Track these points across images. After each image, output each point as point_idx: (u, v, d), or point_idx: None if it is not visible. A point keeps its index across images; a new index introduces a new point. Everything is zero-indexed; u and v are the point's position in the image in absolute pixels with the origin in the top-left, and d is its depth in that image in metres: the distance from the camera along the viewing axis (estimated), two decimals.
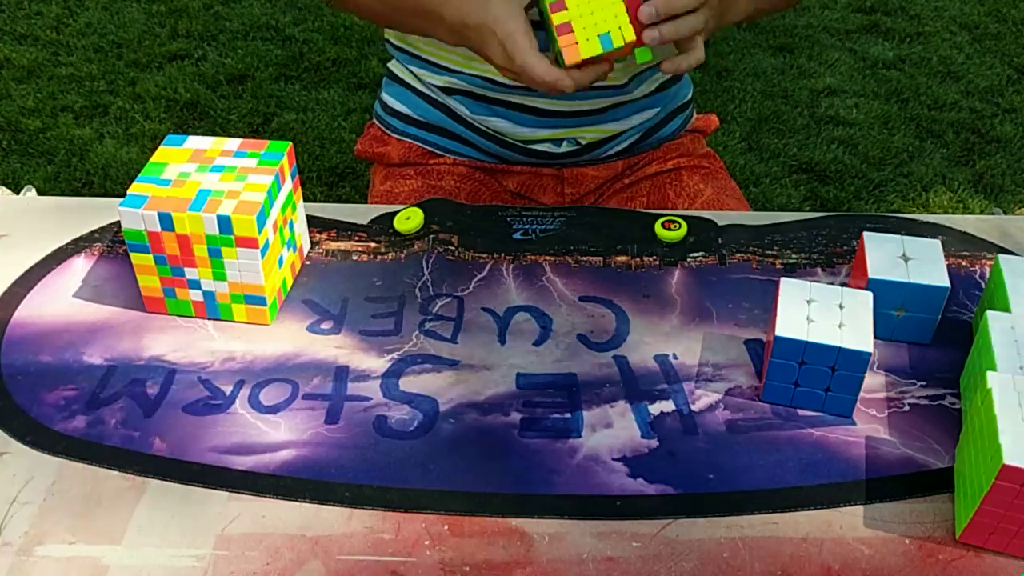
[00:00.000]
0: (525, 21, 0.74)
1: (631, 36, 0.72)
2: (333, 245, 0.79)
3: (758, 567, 0.55)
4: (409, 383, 0.67)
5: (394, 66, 1.02)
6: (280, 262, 0.72)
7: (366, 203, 0.95)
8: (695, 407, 0.65)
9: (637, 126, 0.98)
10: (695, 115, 1.06)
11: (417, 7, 0.83)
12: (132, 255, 0.69)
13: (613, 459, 0.61)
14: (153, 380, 0.67)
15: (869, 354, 0.61)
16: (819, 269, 0.77)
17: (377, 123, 1.05)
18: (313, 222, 0.81)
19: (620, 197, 1.00)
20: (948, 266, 0.70)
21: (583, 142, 0.96)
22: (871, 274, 0.68)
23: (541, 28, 0.76)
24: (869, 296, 0.65)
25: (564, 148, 0.96)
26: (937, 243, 0.70)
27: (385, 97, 1.03)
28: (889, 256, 0.69)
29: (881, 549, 0.56)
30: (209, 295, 0.71)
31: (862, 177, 2.13)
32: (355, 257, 0.78)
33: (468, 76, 0.93)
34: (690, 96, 1.04)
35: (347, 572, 0.55)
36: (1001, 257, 0.69)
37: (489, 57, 0.78)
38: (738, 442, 0.63)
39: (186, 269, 0.69)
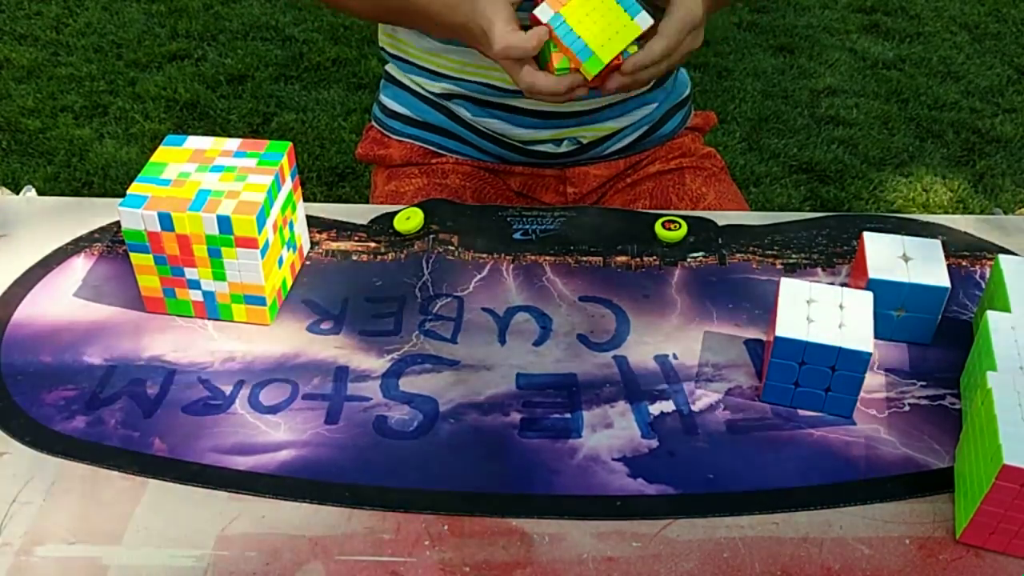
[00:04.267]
0: (508, 11, 0.75)
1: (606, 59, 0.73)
2: (333, 245, 0.79)
3: (758, 567, 0.55)
4: (409, 383, 0.67)
5: (391, 68, 1.02)
6: (280, 262, 0.72)
7: (366, 203, 0.95)
8: (695, 407, 0.65)
9: (637, 122, 0.98)
10: (693, 112, 1.06)
11: (405, 8, 0.84)
12: (132, 255, 0.69)
13: (613, 459, 0.61)
14: (153, 380, 0.67)
15: (869, 354, 0.61)
16: (819, 269, 0.77)
17: (376, 125, 1.05)
18: (313, 222, 0.81)
19: (622, 198, 1.00)
20: (948, 266, 0.70)
21: (584, 141, 0.96)
22: (871, 274, 0.68)
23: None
24: (869, 296, 0.64)
25: (564, 148, 0.96)
26: (937, 243, 0.70)
27: (384, 99, 1.03)
28: (889, 256, 0.69)
29: (881, 549, 0.56)
30: (209, 295, 0.71)
31: (862, 177, 2.13)
32: (355, 257, 0.78)
33: (466, 82, 0.93)
34: (688, 92, 1.04)
35: (347, 572, 0.55)
36: (1001, 257, 0.68)
37: (484, 51, 0.79)
38: (738, 442, 0.63)
39: (186, 269, 0.69)
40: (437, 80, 0.95)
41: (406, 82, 0.99)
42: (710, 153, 1.03)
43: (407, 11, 0.85)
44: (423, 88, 0.97)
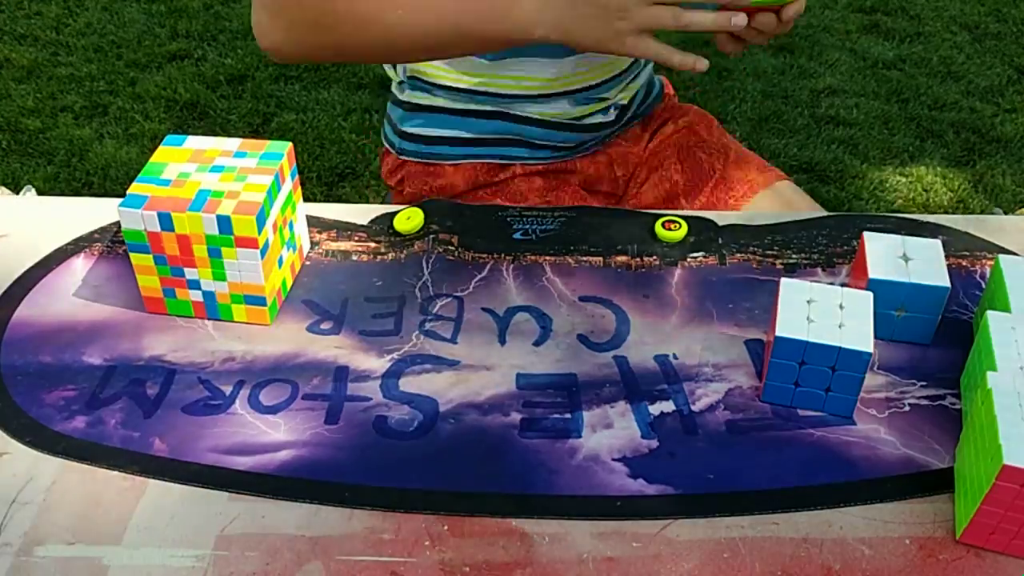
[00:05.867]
0: None
1: None
2: (333, 245, 0.79)
3: (758, 567, 0.55)
4: (409, 383, 0.67)
5: (411, 96, 0.95)
6: (280, 262, 0.72)
7: (366, 203, 0.95)
8: (695, 407, 0.65)
9: (648, 80, 1.04)
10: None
11: (459, 23, 0.75)
12: (132, 255, 0.69)
13: (613, 459, 0.61)
14: (153, 380, 0.67)
15: (869, 354, 0.60)
16: (819, 269, 0.77)
17: (414, 159, 0.97)
18: (313, 222, 0.81)
19: (655, 177, 1.01)
20: (948, 266, 0.70)
21: (623, 103, 0.99)
22: (871, 274, 0.68)
23: None
24: (869, 296, 0.64)
25: (611, 116, 0.98)
26: (937, 243, 0.70)
27: (417, 130, 0.96)
28: (889, 256, 0.69)
29: (881, 549, 0.56)
30: (209, 295, 0.70)
31: (862, 177, 2.13)
32: (355, 257, 0.78)
33: (511, 97, 0.93)
34: None
35: (347, 572, 0.55)
36: (1001, 257, 0.68)
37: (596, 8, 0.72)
38: (738, 442, 0.62)
39: (186, 269, 0.69)
40: (491, 100, 0.94)
41: (447, 104, 0.93)
42: (697, 111, 1.07)
43: (459, 30, 0.76)
44: (472, 103, 0.93)
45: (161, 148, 0.72)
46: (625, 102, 1.00)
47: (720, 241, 0.80)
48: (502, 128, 0.95)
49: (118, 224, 0.81)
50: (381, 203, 1.08)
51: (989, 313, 0.63)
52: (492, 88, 0.92)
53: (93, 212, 0.83)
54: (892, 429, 0.63)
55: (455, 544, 0.56)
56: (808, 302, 0.64)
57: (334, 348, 0.70)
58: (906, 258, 0.69)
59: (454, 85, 0.93)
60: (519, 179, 0.98)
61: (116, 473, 0.60)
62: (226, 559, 0.55)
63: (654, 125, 1.06)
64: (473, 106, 0.94)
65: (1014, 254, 0.78)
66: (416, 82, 0.95)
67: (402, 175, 1.00)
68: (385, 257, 0.78)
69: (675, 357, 0.69)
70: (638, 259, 0.78)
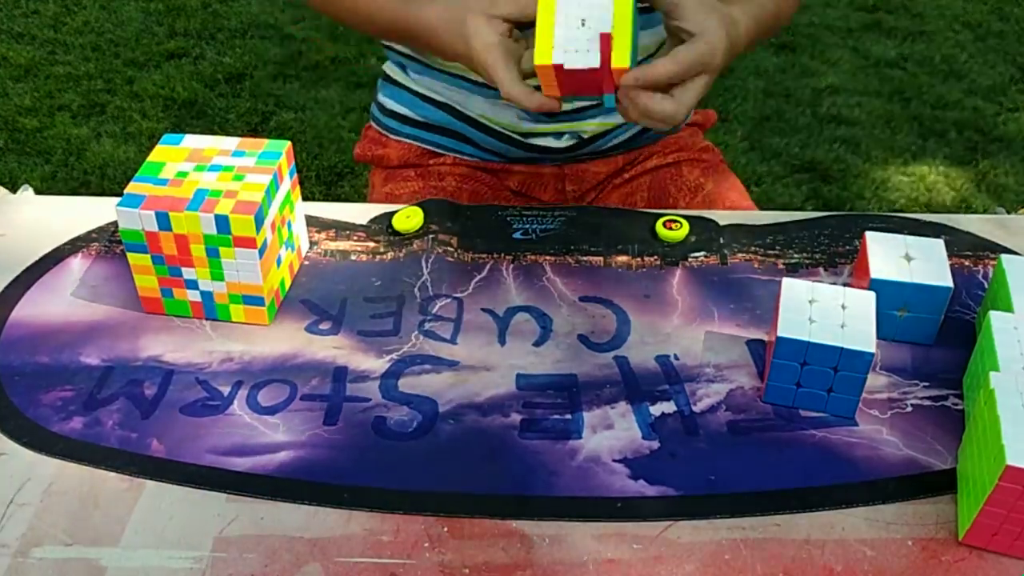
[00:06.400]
0: (503, 53, 0.71)
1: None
2: (332, 245, 0.79)
3: (760, 569, 0.55)
4: (408, 384, 0.66)
5: (389, 68, 1.01)
6: (278, 262, 0.72)
7: (365, 202, 0.95)
8: (696, 408, 0.65)
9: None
10: (693, 110, 1.06)
11: (396, 30, 0.84)
12: (129, 255, 0.69)
13: (614, 460, 0.61)
14: (151, 381, 0.66)
15: (871, 355, 0.60)
16: (821, 269, 0.77)
17: (375, 125, 1.05)
18: (312, 222, 0.81)
19: (620, 193, 1.00)
20: (951, 266, 0.70)
21: (584, 136, 0.95)
22: (874, 274, 0.67)
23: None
24: (872, 296, 0.64)
25: (565, 142, 0.95)
26: (940, 243, 0.70)
27: (382, 99, 1.03)
28: (892, 256, 0.69)
29: (883, 550, 0.56)
30: (207, 295, 0.70)
31: (864, 176, 2.12)
32: (354, 257, 0.78)
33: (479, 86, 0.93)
34: None
35: (346, 574, 0.54)
36: (1004, 257, 0.68)
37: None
38: (740, 443, 0.62)
39: (184, 269, 0.69)
40: (449, 80, 0.94)
41: (405, 80, 0.99)
42: (708, 147, 1.03)
43: (409, 34, 0.83)
44: (428, 88, 0.97)
45: (159, 147, 0.72)
46: (587, 135, 0.95)
47: (721, 241, 0.79)
48: (445, 120, 0.97)
49: (116, 224, 0.80)
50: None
51: (992, 313, 0.63)
52: (441, 65, 0.94)
53: (90, 211, 0.82)
54: (894, 430, 0.63)
55: (455, 546, 0.56)
56: (810, 302, 0.64)
57: (333, 348, 0.69)
58: (908, 258, 0.69)
59: (417, 57, 0.96)
60: (444, 165, 0.99)
61: (114, 474, 0.60)
62: (224, 560, 0.55)
63: (639, 155, 1.01)
64: (425, 91, 0.97)
65: (1017, 254, 0.78)
66: (392, 53, 1.00)
67: (366, 138, 1.06)
68: (384, 257, 0.78)
69: (676, 357, 0.69)
70: (639, 259, 0.78)
